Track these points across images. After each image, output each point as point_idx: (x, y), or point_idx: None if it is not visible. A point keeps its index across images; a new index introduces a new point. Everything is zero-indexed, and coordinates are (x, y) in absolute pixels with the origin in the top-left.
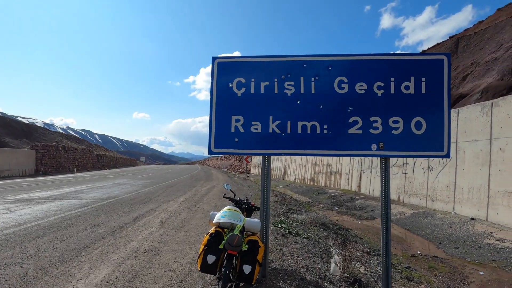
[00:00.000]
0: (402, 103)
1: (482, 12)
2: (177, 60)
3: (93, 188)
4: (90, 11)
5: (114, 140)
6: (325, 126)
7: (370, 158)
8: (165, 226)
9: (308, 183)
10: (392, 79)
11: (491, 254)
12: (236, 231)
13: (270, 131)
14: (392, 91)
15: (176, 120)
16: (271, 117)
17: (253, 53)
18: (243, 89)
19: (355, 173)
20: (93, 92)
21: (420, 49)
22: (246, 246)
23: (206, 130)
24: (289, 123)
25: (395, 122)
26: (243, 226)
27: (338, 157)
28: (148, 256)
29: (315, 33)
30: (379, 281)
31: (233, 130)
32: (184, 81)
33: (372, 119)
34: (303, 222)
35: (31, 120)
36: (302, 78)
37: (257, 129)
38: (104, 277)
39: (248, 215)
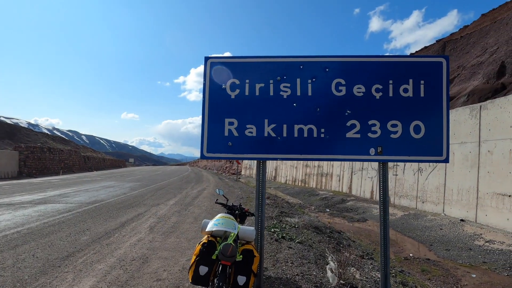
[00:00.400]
0: (400, 107)
1: (467, 17)
2: (167, 60)
3: (79, 191)
4: (78, 8)
5: (102, 141)
6: (322, 130)
7: None
8: (154, 231)
9: (299, 184)
10: (391, 81)
11: (481, 256)
12: (230, 240)
13: (266, 134)
14: (391, 94)
15: (166, 121)
16: (266, 120)
17: (242, 53)
18: (237, 91)
19: (346, 174)
20: (81, 91)
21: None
22: (241, 256)
23: (197, 131)
24: (285, 127)
25: (394, 125)
26: (237, 234)
27: None
28: (136, 264)
29: (305, 35)
30: (375, 287)
31: (226, 133)
32: (174, 81)
33: (370, 122)
34: (296, 226)
35: (14, 120)
36: (298, 80)
37: (251, 132)
38: None
39: (242, 221)
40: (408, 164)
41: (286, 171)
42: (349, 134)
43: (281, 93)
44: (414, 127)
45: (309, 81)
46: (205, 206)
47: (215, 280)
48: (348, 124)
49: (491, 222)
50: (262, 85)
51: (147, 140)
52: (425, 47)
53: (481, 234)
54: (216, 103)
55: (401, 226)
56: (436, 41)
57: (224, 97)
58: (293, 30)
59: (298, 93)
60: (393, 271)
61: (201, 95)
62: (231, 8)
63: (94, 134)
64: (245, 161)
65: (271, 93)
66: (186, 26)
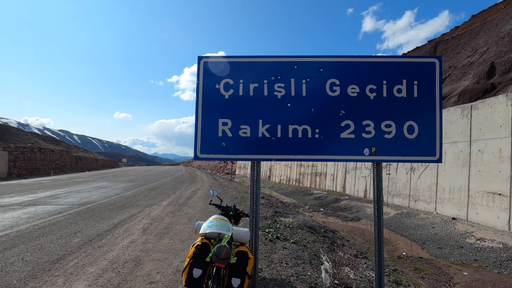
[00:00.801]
0: (394, 107)
1: (458, 18)
2: (160, 59)
3: (70, 192)
4: (69, 5)
5: (94, 141)
6: (317, 130)
7: None
8: (147, 233)
9: (294, 184)
10: (385, 82)
11: (472, 254)
12: (224, 242)
13: (260, 135)
14: (385, 94)
15: (159, 121)
16: (260, 121)
17: (237, 53)
18: (231, 91)
19: (340, 174)
20: (72, 91)
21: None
22: (235, 258)
23: (190, 131)
24: (279, 127)
25: (388, 126)
26: (231, 236)
27: None
28: (129, 267)
29: (299, 34)
30: (369, 287)
31: (220, 134)
32: (167, 80)
33: (364, 123)
34: (291, 226)
35: (3, 120)
36: (292, 80)
37: (246, 133)
38: None
39: (236, 222)
40: (401, 163)
41: (280, 170)
42: (344, 135)
43: (275, 93)
44: (408, 127)
45: (303, 81)
46: (199, 206)
47: (209, 283)
48: (343, 124)
49: (482, 220)
50: (256, 85)
51: (140, 140)
52: (417, 48)
53: (472, 232)
54: (209, 103)
55: (394, 225)
56: (428, 41)
57: (217, 97)
58: (287, 29)
59: (293, 93)
60: (387, 270)
61: (195, 95)
62: (226, 6)
63: (86, 134)
64: (240, 161)
65: (265, 93)
66: (179, 24)
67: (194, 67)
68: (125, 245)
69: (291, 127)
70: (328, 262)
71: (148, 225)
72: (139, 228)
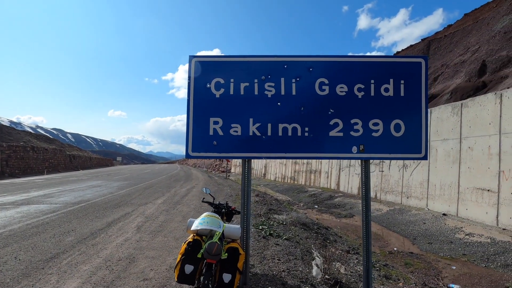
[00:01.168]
0: (382, 106)
1: (452, 16)
2: (155, 56)
3: (64, 191)
4: (61, 3)
5: (88, 140)
6: (306, 129)
7: None
8: (141, 231)
9: (289, 181)
10: (372, 81)
11: (461, 249)
12: (215, 239)
13: (250, 134)
14: (372, 93)
15: (154, 119)
16: (251, 119)
17: (233, 50)
18: (222, 90)
19: (334, 171)
20: (65, 89)
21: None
22: (226, 254)
23: (186, 129)
24: (269, 126)
25: (375, 124)
26: (223, 232)
27: None
28: (123, 264)
29: (294, 31)
30: (359, 281)
31: (211, 133)
32: (162, 78)
33: (352, 121)
34: (284, 223)
35: None
36: (282, 79)
37: (236, 131)
38: None
39: (228, 219)
40: (393, 160)
41: (275, 168)
42: (332, 133)
43: (266, 92)
44: (395, 125)
45: (293, 80)
46: (194, 204)
47: (201, 279)
48: (331, 123)
49: (471, 215)
50: (247, 84)
51: (135, 138)
52: (411, 46)
53: (461, 227)
54: (201, 102)
55: (387, 221)
56: (422, 39)
57: (209, 96)
58: (281, 26)
59: (283, 93)
60: (378, 265)
61: None
62: (219, 3)
63: (80, 132)
64: (235, 159)
65: (256, 92)
66: (174, 21)
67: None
68: (119, 243)
69: (281, 126)
70: (319, 258)
71: (142, 223)
72: (133, 227)
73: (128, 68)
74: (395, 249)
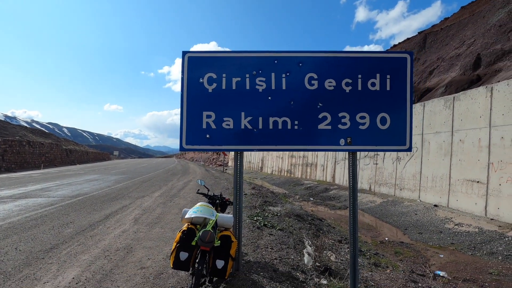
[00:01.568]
0: (368, 100)
1: (450, 8)
2: (151, 49)
3: (61, 185)
4: None
5: (84, 134)
6: (296, 122)
7: None
8: (139, 222)
9: (285, 174)
10: (360, 76)
11: (450, 238)
12: (209, 227)
13: (242, 127)
14: (360, 88)
15: (151, 113)
16: (243, 113)
17: (229, 42)
18: (214, 85)
19: (329, 164)
20: (60, 82)
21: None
22: (219, 241)
23: (179, 122)
24: (260, 119)
25: (362, 117)
26: (216, 222)
27: None
28: (121, 254)
29: (292, 24)
30: (349, 268)
31: (204, 126)
32: (158, 71)
33: (340, 115)
34: (279, 214)
35: None
36: (273, 74)
37: (229, 125)
38: (73, 278)
39: (223, 210)
40: (387, 153)
41: (272, 162)
42: (321, 126)
43: (257, 86)
44: (381, 119)
45: (283, 75)
46: (191, 197)
47: (196, 265)
48: (320, 116)
49: (461, 206)
50: (239, 79)
51: (132, 132)
52: (408, 39)
53: (451, 218)
54: (194, 97)
55: (380, 212)
56: (418, 32)
57: (201, 91)
58: (279, 18)
59: (273, 87)
60: (368, 254)
61: None
62: None
63: (76, 127)
64: (232, 153)
65: (247, 87)
66: (170, 14)
67: None
68: (117, 234)
69: (271, 119)
70: (311, 246)
71: (139, 215)
72: (130, 219)
73: (124, 62)
74: (386, 239)
